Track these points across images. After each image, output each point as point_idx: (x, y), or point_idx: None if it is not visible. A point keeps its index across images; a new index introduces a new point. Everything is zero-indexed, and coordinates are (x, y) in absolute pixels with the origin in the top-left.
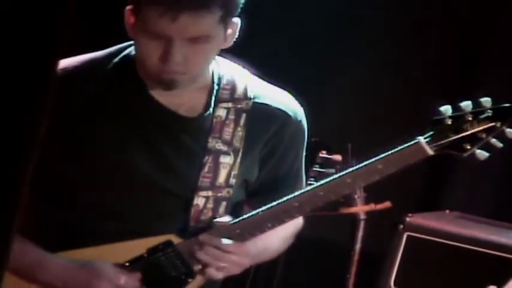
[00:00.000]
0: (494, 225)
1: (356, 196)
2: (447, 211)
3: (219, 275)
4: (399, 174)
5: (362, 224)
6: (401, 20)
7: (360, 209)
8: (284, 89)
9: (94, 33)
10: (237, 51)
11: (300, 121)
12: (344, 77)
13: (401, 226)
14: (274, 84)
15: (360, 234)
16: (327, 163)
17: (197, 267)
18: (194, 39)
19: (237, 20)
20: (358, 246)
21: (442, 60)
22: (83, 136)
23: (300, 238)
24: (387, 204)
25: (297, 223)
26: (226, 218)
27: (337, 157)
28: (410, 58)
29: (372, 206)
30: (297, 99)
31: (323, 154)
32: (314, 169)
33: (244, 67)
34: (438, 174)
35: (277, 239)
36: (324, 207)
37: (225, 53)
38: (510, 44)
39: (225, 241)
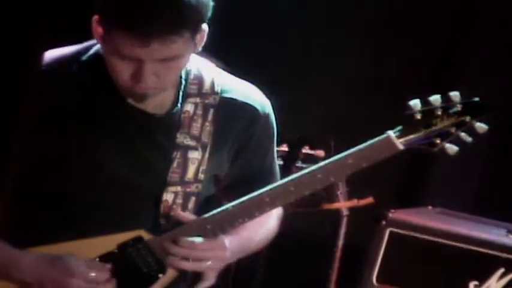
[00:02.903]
0: (476, 221)
1: (339, 192)
2: (430, 207)
3: (206, 276)
4: (381, 170)
5: (345, 220)
6: (382, 14)
7: (343, 205)
8: (265, 85)
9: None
10: (216, 48)
11: (268, 114)
12: (326, 72)
13: (384, 222)
14: (254, 79)
15: (343, 230)
16: (309, 159)
17: (170, 263)
18: (166, 59)
19: (205, 27)
20: (340, 242)
21: (424, 56)
22: (52, 135)
23: (282, 234)
24: (370, 200)
25: (277, 213)
26: (191, 215)
27: (320, 153)
28: (393, 53)
29: (354, 202)
30: (278, 95)
31: (306, 150)
32: (297, 165)
33: (211, 61)
34: (421, 170)
35: (260, 229)
36: (304, 203)
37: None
38: (491, 40)
39: (197, 239)
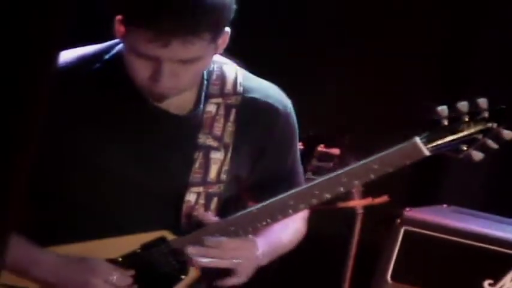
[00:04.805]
0: (491, 219)
1: (354, 190)
2: (444, 205)
3: (236, 272)
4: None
5: (359, 218)
6: (396, 12)
7: (358, 203)
8: (281, 82)
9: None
10: (231, 47)
11: (289, 114)
12: (343, 70)
13: (399, 220)
14: (270, 78)
15: (357, 228)
16: (324, 157)
17: (195, 263)
18: (185, 61)
19: (227, 30)
20: (355, 240)
21: (439, 53)
22: (72, 137)
23: None
24: (385, 198)
25: (303, 216)
26: (215, 218)
27: (335, 151)
28: (408, 50)
29: (369, 200)
30: (293, 92)
31: (321, 148)
32: (312, 163)
33: (233, 61)
34: (436, 168)
35: (287, 232)
36: (319, 204)
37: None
38: (502, 39)
39: (222, 238)
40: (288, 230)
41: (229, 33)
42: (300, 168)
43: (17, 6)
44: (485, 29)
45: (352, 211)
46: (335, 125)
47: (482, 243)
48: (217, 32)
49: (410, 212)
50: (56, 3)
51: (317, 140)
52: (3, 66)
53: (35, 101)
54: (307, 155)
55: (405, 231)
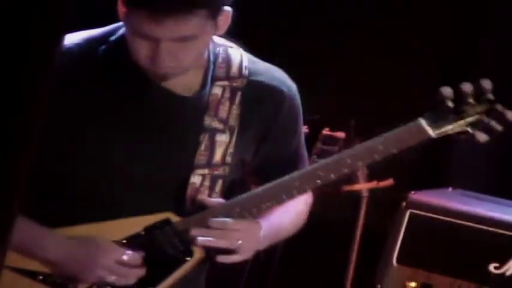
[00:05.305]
0: (497, 202)
1: (358, 173)
2: (450, 189)
3: (236, 257)
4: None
5: (364, 201)
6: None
7: (363, 186)
8: (286, 66)
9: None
10: (233, 29)
11: (294, 97)
12: (345, 53)
13: (404, 203)
14: (275, 62)
15: (363, 211)
16: (329, 140)
17: (200, 243)
18: (182, 39)
19: (228, 8)
20: (360, 223)
21: (443, 38)
22: (79, 119)
23: None
24: (390, 181)
25: (306, 200)
26: (220, 199)
27: (340, 134)
28: (413, 35)
29: (374, 184)
30: (298, 75)
31: (326, 131)
32: (317, 146)
33: (238, 44)
34: (441, 151)
35: (289, 216)
36: (324, 186)
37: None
38: (502, 39)
39: (227, 220)
40: (290, 214)
41: (231, 13)
42: (305, 152)
43: (17, 6)
44: (486, 29)
45: (357, 194)
46: (340, 108)
47: (487, 226)
48: (214, 9)
49: (415, 195)
50: (55, 3)
51: (322, 123)
52: (3, 66)
53: (35, 101)
54: (312, 138)
55: (410, 214)
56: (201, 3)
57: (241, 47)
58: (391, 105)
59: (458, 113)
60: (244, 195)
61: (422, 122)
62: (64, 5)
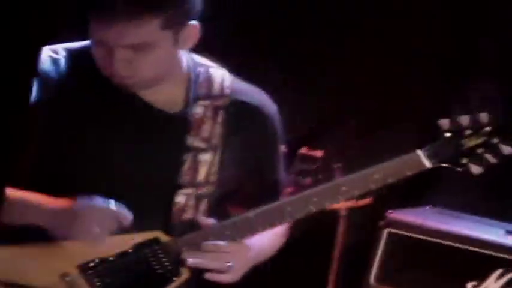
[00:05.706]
0: (475, 221)
1: None
2: (428, 207)
3: (226, 277)
4: None
5: (343, 220)
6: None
7: (341, 205)
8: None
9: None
10: (214, 48)
11: (274, 117)
12: (345, 53)
13: (382, 222)
14: (253, 82)
15: (341, 230)
16: (307, 159)
17: (191, 264)
18: (135, 47)
19: (193, 23)
20: (339, 242)
21: (443, 38)
22: (62, 131)
23: None
24: (368, 200)
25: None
26: (211, 220)
27: (318, 153)
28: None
29: (353, 202)
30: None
31: (304, 150)
32: (295, 165)
33: (219, 65)
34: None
35: (270, 236)
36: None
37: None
38: (502, 39)
39: (221, 242)
40: (269, 235)
41: (198, 27)
42: (282, 173)
43: (17, 6)
44: (486, 29)
45: (335, 213)
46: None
47: (466, 245)
48: (169, 18)
49: (393, 214)
50: (55, 3)
51: (300, 142)
52: (3, 66)
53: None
54: (290, 157)
55: (388, 233)
56: (151, 11)
57: (223, 66)
58: (391, 105)
59: (455, 146)
60: (235, 219)
61: (420, 154)
62: (63, 5)
